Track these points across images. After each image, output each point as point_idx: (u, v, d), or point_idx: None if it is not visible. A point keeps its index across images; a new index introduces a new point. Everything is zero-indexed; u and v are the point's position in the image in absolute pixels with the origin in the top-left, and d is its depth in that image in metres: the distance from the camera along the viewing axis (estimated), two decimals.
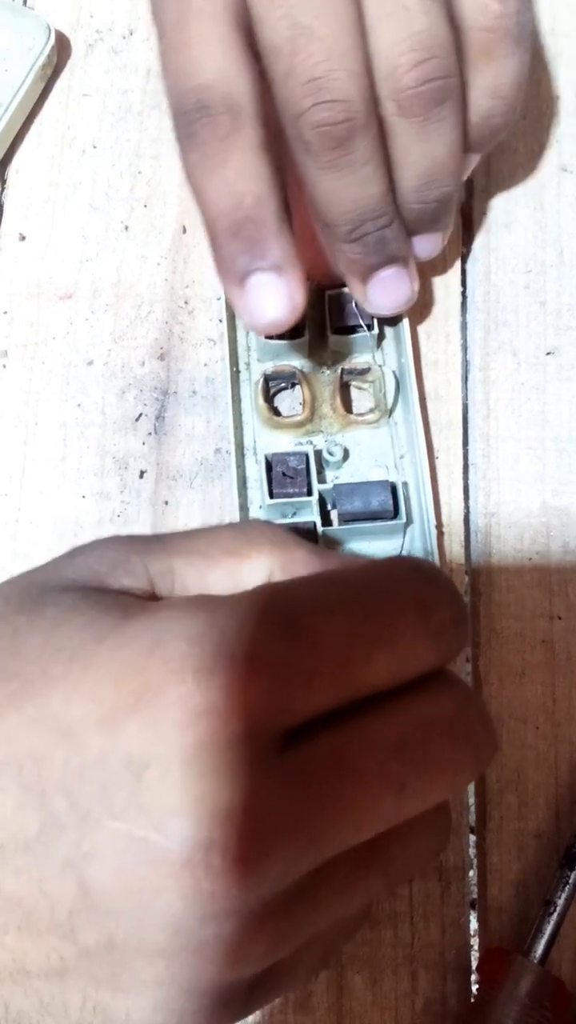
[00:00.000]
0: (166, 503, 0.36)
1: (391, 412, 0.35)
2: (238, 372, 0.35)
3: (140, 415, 0.37)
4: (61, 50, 0.40)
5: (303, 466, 0.33)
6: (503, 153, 0.38)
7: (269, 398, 0.35)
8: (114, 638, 0.21)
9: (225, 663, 0.20)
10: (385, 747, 0.21)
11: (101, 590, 0.23)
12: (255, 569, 0.24)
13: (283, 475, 0.33)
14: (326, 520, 0.34)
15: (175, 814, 0.19)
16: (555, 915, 0.32)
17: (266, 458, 0.33)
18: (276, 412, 0.35)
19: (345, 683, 0.21)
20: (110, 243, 0.39)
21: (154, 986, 0.20)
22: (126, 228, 0.39)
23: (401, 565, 0.24)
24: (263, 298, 0.29)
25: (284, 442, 0.34)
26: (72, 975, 0.21)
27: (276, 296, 0.29)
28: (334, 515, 0.34)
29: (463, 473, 0.36)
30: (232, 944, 0.20)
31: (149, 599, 0.24)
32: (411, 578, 0.23)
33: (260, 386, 0.34)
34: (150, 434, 0.37)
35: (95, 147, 0.39)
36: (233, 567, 0.24)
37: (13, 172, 0.39)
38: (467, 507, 0.36)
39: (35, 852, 0.20)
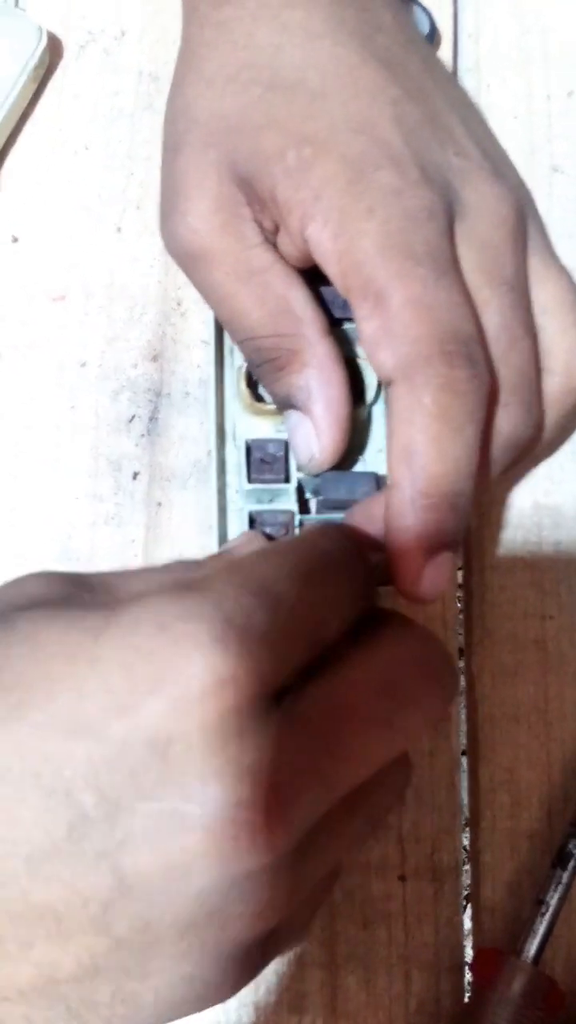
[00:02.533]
0: (159, 505, 0.36)
1: (372, 405, 0.35)
2: (222, 356, 0.35)
3: (133, 417, 0.37)
4: (53, 51, 0.40)
5: (282, 453, 0.33)
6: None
7: (252, 383, 0.35)
8: (112, 631, 0.21)
9: (233, 635, 0.21)
10: (370, 690, 0.23)
11: (61, 605, 0.23)
12: None
13: (262, 461, 0.33)
14: (304, 508, 0.34)
15: (205, 782, 0.20)
16: (548, 915, 0.32)
17: (246, 443, 0.33)
18: (259, 398, 0.35)
19: (314, 640, 0.23)
20: (102, 244, 0.39)
21: (180, 960, 0.21)
22: (119, 230, 0.39)
23: (318, 533, 0.26)
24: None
25: (265, 428, 0.34)
26: (103, 972, 0.21)
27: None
28: (313, 504, 0.34)
29: None
30: (256, 900, 0.21)
31: None
32: (330, 544, 0.25)
33: (244, 371, 0.34)
34: (143, 436, 0.37)
35: (87, 148, 0.39)
36: None
37: (6, 174, 0.39)
38: None
39: (65, 854, 0.20)
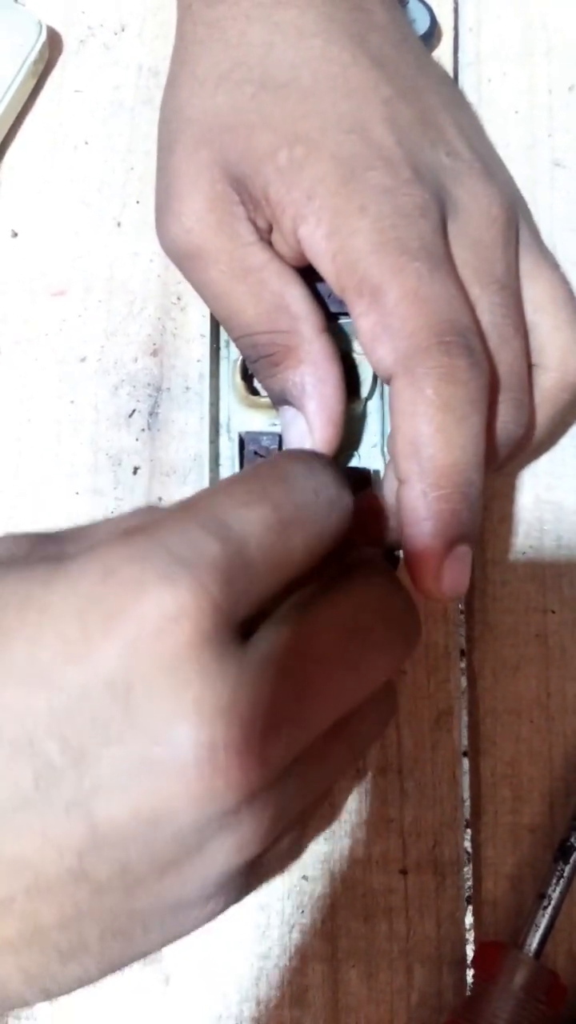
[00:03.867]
0: (160, 499, 0.36)
1: (367, 400, 0.35)
2: (218, 349, 0.35)
3: (133, 411, 0.37)
4: (53, 46, 0.40)
5: (275, 446, 0.33)
6: (496, 148, 0.38)
7: (247, 376, 0.35)
8: (61, 578, 0.21)
9: (180, 570, 0.20)
10: (339, 633, 0.23)
11: (20, 560, 0.23)
12: None
13: (255, 454, 0.33)
14: None
15: (173, 723, 0.20)
16: (549, 908, 0.32)
17: (239, 436, 0.33)
18: (254, 391, 0.35)
19: (278, 565, 0.22)
20: (103, 239, 0.39)
21: (164, 895, 0.21)
22: (119, 224, 0.39)
23: (286, 454, 0.25)
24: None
25: (260, 422, 0.34)
26: (88, 915, 0.21)
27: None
28: None
29: None
30: (237, 836, 0.21)
31: None
32: (297, 467, 0.24)
33: (239, 364, 0.34)
34: (143, 430, 0.37)
35: (87, 143, 0.39)
36: None
37: (5, 169, 0.39)
38: None
39: (35, 805, 0.20)
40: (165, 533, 0.21)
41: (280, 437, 0.33)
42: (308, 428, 0.31)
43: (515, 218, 0.32)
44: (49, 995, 0.22)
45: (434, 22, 0.39)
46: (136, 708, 0.20)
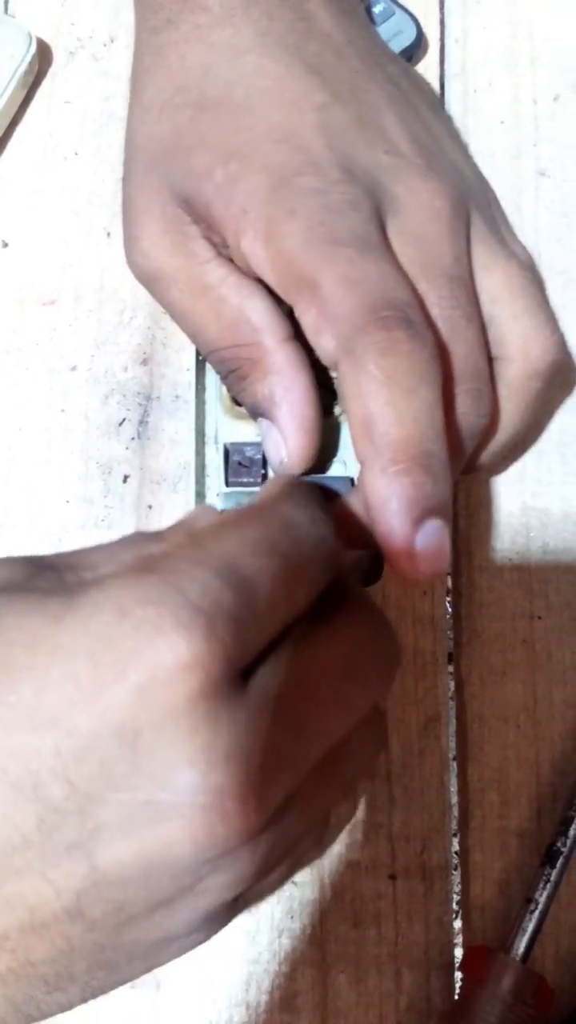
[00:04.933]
0: (150, 507, 0.37)
1: None
2: (204, 360, 0.35)
3: (123, 420, 0.37)
4: (42, 57, 0.40)
5: (259, 456, 0.33)
6: (481, 158, 0.39)
7: None
8: (72, 616, 0.21)
9: (194, 617, 0.20)
10: (333, 672, 0.24)
11: (23, 587, 0.22)
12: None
13: (239, 464, 0.33)
14: None
15: (180, 769, 0.20)
16: (537, 913, 0.33)
17: (224, 447, 0.34)
18: (240, 402, 0.35)
19: (281, 615, 0.23)
20: (93, 249, 0.39)
21: (153, 929, 0.22)
22: (108, 234, 0.39)
23: (282, 499, 0.25)
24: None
25: (247, 432, 0.35)
26: (78, 950, 0.21)
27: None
28: None
29: None
30: (231, 875, 0.21)
31: None
32: (296, 513, 0.25)
33: None
34: (133, 439, 0.37)
35: (77, 154, 0.40)
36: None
37: None
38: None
39: (35, 846, 0.20)
40: (180, 577, 0.21)
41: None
42: (281, 437, 0.31)
43: (463, 210, 0.32)
44: (31, 1020, 0.22)
45: (420, 33, 0.39)
46: (143, 753, 0.20)
